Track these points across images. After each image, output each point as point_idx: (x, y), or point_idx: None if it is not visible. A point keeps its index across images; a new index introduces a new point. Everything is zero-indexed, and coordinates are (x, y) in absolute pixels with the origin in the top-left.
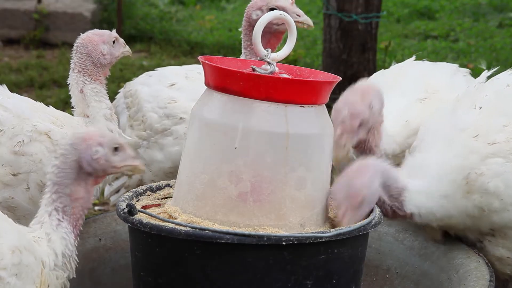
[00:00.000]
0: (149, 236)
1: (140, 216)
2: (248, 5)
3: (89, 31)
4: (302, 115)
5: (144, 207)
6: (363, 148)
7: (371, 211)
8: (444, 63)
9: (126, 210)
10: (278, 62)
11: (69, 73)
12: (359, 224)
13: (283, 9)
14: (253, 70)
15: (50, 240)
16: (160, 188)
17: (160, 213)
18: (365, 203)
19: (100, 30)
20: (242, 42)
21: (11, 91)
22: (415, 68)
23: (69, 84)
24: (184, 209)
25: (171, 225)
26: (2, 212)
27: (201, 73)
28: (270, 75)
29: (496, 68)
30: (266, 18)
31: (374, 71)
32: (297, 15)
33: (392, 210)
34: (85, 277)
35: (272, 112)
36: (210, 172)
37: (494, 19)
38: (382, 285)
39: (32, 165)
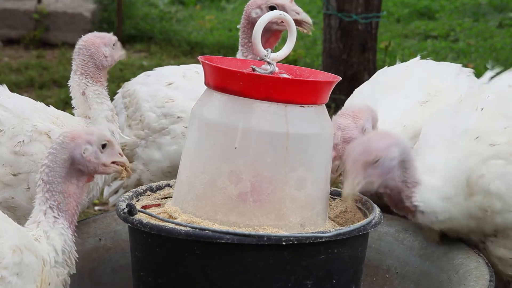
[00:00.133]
0: (149, 236)
1: (140, 216)
2: (248, 3)
3: (89, 33)
4: (302, 115)
5: (144, 207)
6: None
7: (372, 210)
8: (448, 63)
9: (126, 210)
10: (278, 62)
11: (71, 75)
12: (359, 224)
13: (282, 7)
14: (253, 70)
15: (49, 238)
16: (160, 188)
17: (160, 213)
18: (377, 165)
19: (100, 32)
20: (240, 39)
21: (11, 91)
22: (419, 68)
23: (70, 85)
24: (184, 209)
25: (171, 225)
26: (2, 212)
27: (199, 72)
28: (270, 75)
29: (500, 69)
30: (266, 18)
31: (374, 71)
32: (296, 13)
33: (399, 198)
34: (85, 277)
35: (272, 112)
36: (210, 172)
37: (494, 19)
38: (382, 285)
39: (32, 165)
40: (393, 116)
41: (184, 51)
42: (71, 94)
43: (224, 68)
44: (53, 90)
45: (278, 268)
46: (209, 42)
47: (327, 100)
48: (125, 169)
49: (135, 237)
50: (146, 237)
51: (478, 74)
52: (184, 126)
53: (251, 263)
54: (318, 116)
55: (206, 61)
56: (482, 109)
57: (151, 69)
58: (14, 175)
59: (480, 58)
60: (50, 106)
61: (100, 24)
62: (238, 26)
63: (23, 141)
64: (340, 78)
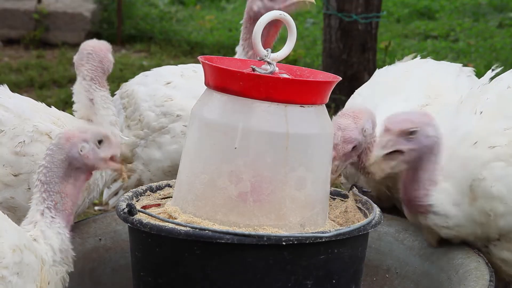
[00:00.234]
0: (149, 236)
1: (140, 216)
2: None
3: (91, 41)
4: (302, 115)
5: (144, 207)
6: (356, 166)
7: (372, 210)
8: (448, 62)
9: (126, 210)
10: (278, 62)
11: (78, 80)
12: (359, 224)
13: None
14: (253, 70)
15: (46, 238)
16: (160, 188)
17: (160, 213)
18: (411, 138)
19: (98, 40)
20: (241, 34)
21: (11, 91)
22: (419, 68)
23: (74, 90)
24: (184, 209)
25: (171, 225)
26: (2, 212)
27: (196, 71)
28: (270, 75)
29: (500, 69)
30: (266, 18)
31: (374, 71)
32: None
33: (415, 194)
34: (85, 277)
35: (272, 112)
36: (210, 172)
37: (494, 19)
38: (382, 285)
39: (33, 166)
40: None
41: (184, 51)
42: (74, 99)
43: (224, 68)
44: (53, 90)
45: (278, 268)
46: (209, 42)
47: (327, 100)
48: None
49: (135, 237)
50: (146, 237)
51: (478, 74)
52: (184, 124)
53: (251, 263)
54: (318, 116)
55: (206, 61)
56: (481, 112)
57: (151, 69)
58: (15, 175)
59: (480, 58)
60: (52, 107)
61: (100, 24)
62: (241, 22)
63: (24, 141)
64: (340, 78)
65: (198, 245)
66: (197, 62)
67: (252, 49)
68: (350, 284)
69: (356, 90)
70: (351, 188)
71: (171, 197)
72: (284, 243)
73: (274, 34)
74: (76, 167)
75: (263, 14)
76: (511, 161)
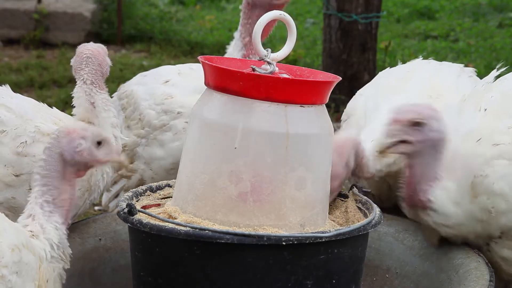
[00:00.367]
0: (149, 236)
1: (140, 216)
2: None
3: (88, 44)
4: (302, 115)
5: (144, 207)
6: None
7: (372, 210)
8: (450, 63)
9: (126, 210)
10: (278, 62)
11: (78, 85)
12: (359, 224)
13: None
14: (253, 70)
15: (45, 231)
16: (160, 188)
17: (160, 213)
18: (418, 129)
19: (94, 43)
20: (240, 20)
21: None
22: (421, 70)
23: (74, 95)
24: (184, 209)
25: (171, 225)
26: (3, 212)
27: (193, 69)
28: (270, 75)
29: (504, 68)
30: (266, 18)
31: (374, 71)
32: None
33: (416, 189)
34: (85, 277)
35: (272, 112)
36: (210, 172)
37: (494, 19)
38: (382, 285)
39: (34, 166)
40: None
41: (184, 51)
42: (74, 103)
43: (224, 68)
44: (53, 90)
45: (278, 268)
46: (209, 42)
47: (327, 100)
48: (122, 163)
49: (135, 237)
50: (146, 237)
51: (478, 74)
52: (185, 121)
53: (251, 263)
54: (318, 116)
55: (206, 61)
56: (486, 109)
57: (152, 69)
58: (16, 175)
59: (480, 58)
60: (53, 107)
61: (100, 24)
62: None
63: (26, 141)
64: (340, 78)
65: (198, 245)
66: (197, 62)
67: (249, 35)
68: (350, 284)
69: (358, 91)
70: (351, 188)
71: (171, 197)
72: (284, 243)
73: (272, 23)
74: (70, 163)
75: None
76: None
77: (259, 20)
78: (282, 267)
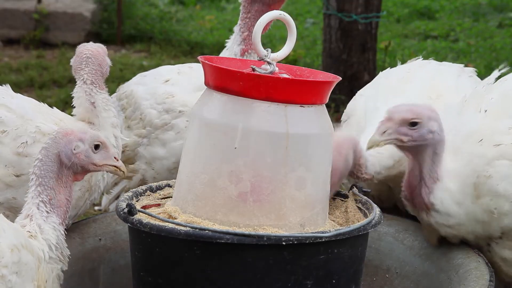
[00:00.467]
0: (149, 236)
1: (140, 216)
2: None
3: (87, 44)
4: (302, 115)
5: (144, 207)
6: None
7: (372, 210)
8: (450, 63)
9: (126, 210)
10: (278, 62)
11: (78, 85)
12: (359, 224)
13: None
14: (253, 70)
15: (43, 232)
16: (160, 188)
17: (160, 213)
18: (413, 128)
19: (94, 43)
20: (240, 14)
21: None
22: (421, 70)
23: (75, 95)
24: (184, 209)
25: (171, 225)
26: (3, 212)
27: (193, 68)
28: (270, 75)
29: (506, 69)
30: (266, 18)
31: (374, 71)
32: None
33: (419, 190)
34: (85, 277)
35: (272, 112)
36: (210, 172)
37: (494, 19)
38: (382, 285)
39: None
40: None
41: (184, 51)
42: (74, 103)
43: (224, 68)
44: (53, 90)
45: (278, 268)
46: (209, 42)
47: (327, 100)
48: (119, 169)
49: (135, 237)
50: (146, 237)
51: (478, 74)
52: (187, 120)
53: (251, 263)
54: (318, 116)
55: (206, 61)
56: (486, 110)
57: (151, 69)
58: (17, 176)
59: (480, 58)
60: (54, 107)
61: (100, 24)
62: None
63: (27, 142)
64: (340, 78)
65: (198, 245)
66: (197, 62)
67: (248, 30)
68: (350, 284)
69: (358, 91)
70: (351, 188)
71: (171, 197)
72: (284, 243)
73: (263, 31)
74: (66, 165)
75: None
76: None
77: (259, 20)
78: (282, 267)
